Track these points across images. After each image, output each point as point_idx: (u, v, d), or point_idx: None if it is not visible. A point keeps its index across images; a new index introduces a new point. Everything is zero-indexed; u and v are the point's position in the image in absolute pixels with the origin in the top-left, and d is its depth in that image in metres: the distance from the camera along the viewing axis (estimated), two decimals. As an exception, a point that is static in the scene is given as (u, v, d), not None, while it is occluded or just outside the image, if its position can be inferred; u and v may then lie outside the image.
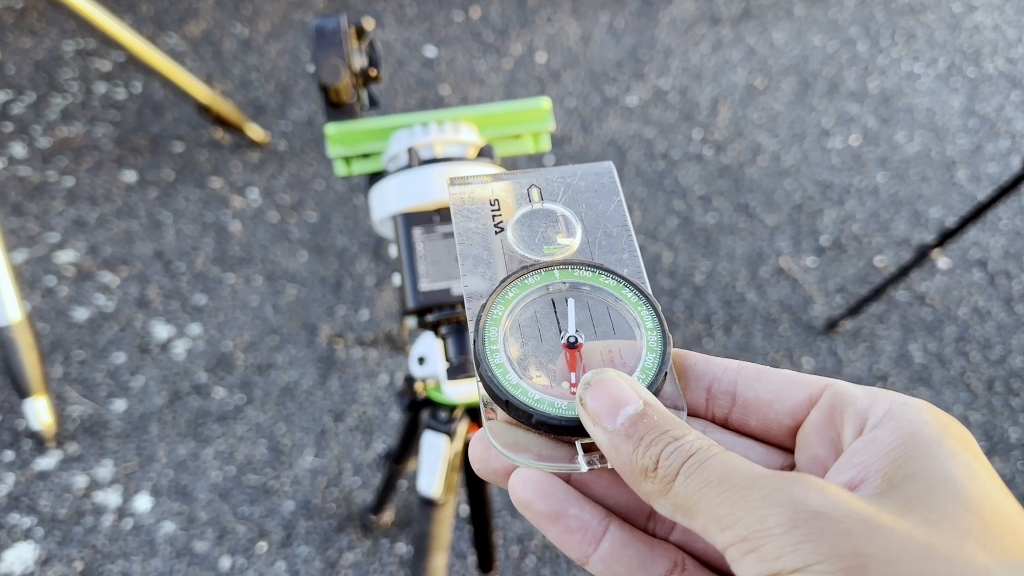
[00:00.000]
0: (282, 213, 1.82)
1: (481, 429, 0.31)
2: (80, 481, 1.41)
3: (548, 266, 0.34)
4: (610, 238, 0.36)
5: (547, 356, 0.32)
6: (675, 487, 0.26)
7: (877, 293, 1.58)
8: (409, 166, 0.56)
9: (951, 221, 1.88)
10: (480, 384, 0.32)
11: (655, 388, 0.31)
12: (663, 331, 0.32)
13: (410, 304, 0.56)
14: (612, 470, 0.29)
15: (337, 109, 0.58)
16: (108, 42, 1.66)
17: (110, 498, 1.39)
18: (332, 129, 0.58)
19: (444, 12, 2.38)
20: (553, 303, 0.34)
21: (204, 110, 1.81)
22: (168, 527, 1.36)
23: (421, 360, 0.74)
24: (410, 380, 0.75)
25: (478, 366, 0.32)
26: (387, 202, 0.57)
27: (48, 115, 1.99)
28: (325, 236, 1.78)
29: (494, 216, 0.36)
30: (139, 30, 2.18)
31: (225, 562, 1.33)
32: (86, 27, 1.62)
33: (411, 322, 0.60)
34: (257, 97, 2.07)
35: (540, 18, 2.38)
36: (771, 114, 2.14)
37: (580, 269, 0.35)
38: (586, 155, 2.00)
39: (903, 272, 1.53)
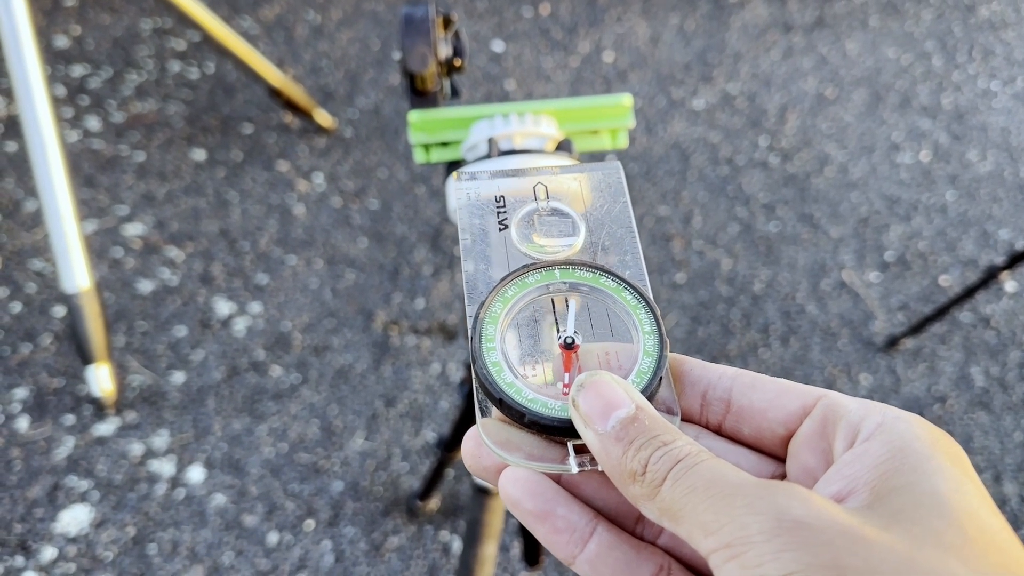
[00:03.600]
0: (345, 199, 1.84)
1: (474, 426, 0.31)
2: (136, 449, 1.44)
3: (549, 265, 0.34)
4: (614, 239, 0.36)
5: (544, 356, 0.32)
6: (662, 492, 0.26)
7: (941, 313, 1.55)
8: (488, 156, 0.57)
9: (1021, 244, 1.84)
10: (475, 381, 0.32)
11: (649, 392, 0.31)
12: (660, 335, 0.32)
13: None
14: (602, 472, 0.29)
15: (421, 97, 0.59)
16: (185, 21, 1.70)
17: (164, 467, 1.42)
18: (415, 116, 0.59)
19: (514, 7, 2.38)
20: (552, 303, 0.34)
21: (275, 94, 1.84)
22: (219, 499, 1.39)
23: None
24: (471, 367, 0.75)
25: (474, 363, 0.32)
26: (464, 190, 0.57)
27: (123, 91, 2.04)
28: (385, 224, 1.80)
29: (499, 213, 0.36)
30: (214, 12, 2.22)
31: (272, 537, 1.35)
32: (164, 6, 1.66)
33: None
34: (326, 84, 2.10)
35: (610, 17, 2.38)
36: (840, 125, 2.10)
37: (581, 270, 0.35)
38: (649, 157, 1.99)
39: (969, 293, 1.50)
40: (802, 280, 1.76)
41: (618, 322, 0.34)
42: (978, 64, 2.32)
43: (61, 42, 2.14)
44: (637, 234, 0.36)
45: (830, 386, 1.58)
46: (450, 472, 1.41)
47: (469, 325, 0.33)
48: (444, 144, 0.61)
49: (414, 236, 1.78)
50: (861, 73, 2.26)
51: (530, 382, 0.31)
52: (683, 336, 1.65)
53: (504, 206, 0.37)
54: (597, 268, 0.35)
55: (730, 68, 2.25)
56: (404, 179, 1.89)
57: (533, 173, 0.38)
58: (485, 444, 0.31)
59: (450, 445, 1.11)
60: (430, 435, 1.48)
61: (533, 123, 0.58)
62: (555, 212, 0.37)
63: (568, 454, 0.30)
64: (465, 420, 0.99)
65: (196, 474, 1.42)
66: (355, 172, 1.90)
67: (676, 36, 2.33)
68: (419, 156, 0.61)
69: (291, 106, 1.89)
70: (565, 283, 0.34)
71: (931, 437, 0.27)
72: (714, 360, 1.60)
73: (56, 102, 1.97)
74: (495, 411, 0.31)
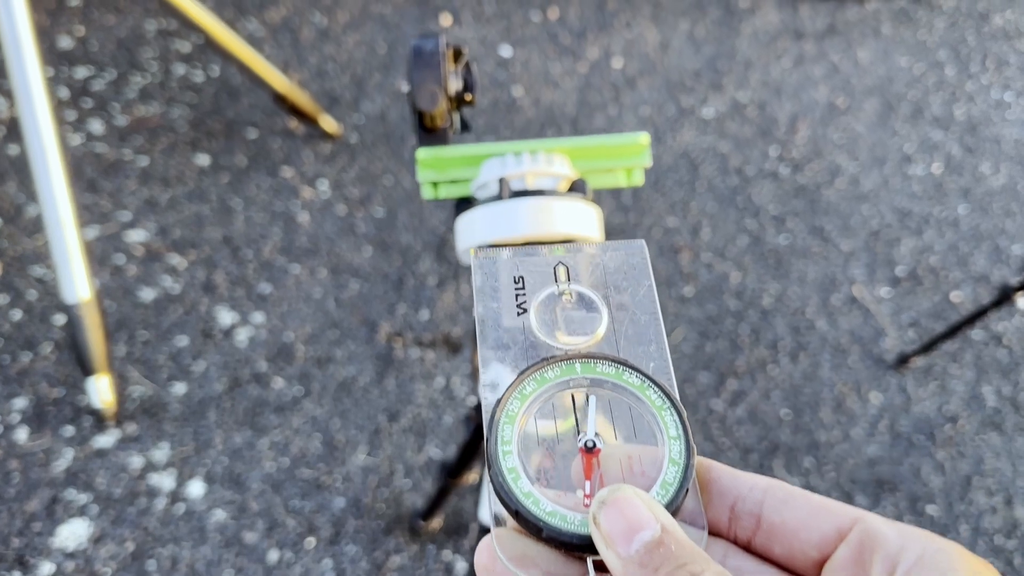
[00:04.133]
0: (350, 206, 1.82)
1: (488, 537, 0.30)
2: (136, 462, 1.42)
3: (569, 359, 0.33)
4: (637, 326, 0.34)
5: (563, 459, 0.31)
6: None
7: (952, 332, 1.53)
8: (499, 197, 0.55)
9: (1035, 259, 1.82)
10: (490, 487, 0.30)
11: (675, 506, 0.29)
12: (687, 441, 0.30)
13: (490, 338, 0.55)
14: None
15: (429, 134, 0.57)
16: (189, 25, 1.67)
17: (164, 481, 1.41)
18: (423, 154, 0.56)
19: (522, 11, 2.36)
20: (573, 399, 0.32)
21: (280, 100, 1.82)
22: (219, 515, 1.37)
23: (493, 387, 0.73)
24: (479, 408, 0.73)
25: (489, 468, 0.30)
26: (474, 233, 0.55)
27: (127, 93, 2.02)
28: (390, 232, 1.78)
29: (517, 295, 0.35)
30: (220, 13, 2.20)
31: (273, 555, 1.33)
32: (168, 9, 1.63)
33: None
34: (332, 88, 2.08)
35: (619, 22, 2.35)
36: (852, 135, 2.08)
37: (603, 364, 0.33)
38: (658, 166, 1.97)
39: (981, 313, 1.48)
40: (812, 295, 1.73)
41: (641, 422, 0.32)
42: (992, 74, 2.29)
43: (65, 43, 2.12)
44: (662, 321, 0.34)
45: (840, 405, 1.56)
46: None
47: (484, 424, 0.31)
48: (453, 181, 0.59)
49: (419, 245, 1.76)
50: (873, 82, 2.23)
51: (547, 491, 0.30)
52: (691, 352, 1.63)
53: (523, 287, 0.35)
54: (620, 363, 0.33)
55: (740, 76, 2.22)
56: (409, 186, 1.87)
57: (553, 255, 0.36)
58: (499, 559, 0.28)
59: (454, 472, 1.09)
60: (433, 451, 1.46)
61: (546, 162, 0.56)
62: (578, 299, 0.35)
63: (588, 572, 0.28)
64: (470, 451, 0.98)
65: (196, 488, 1.40)
66: (360, 179, 1.88)
67: (686, 42, 2.31)
68: (427, 193, 0.59)
69: (296, 112, 1.87)
70: (586, 378, 0.32)
71: (972, 571, 0.25)
72: (722, 377, 1.58)
73: (60, 104, 1.95)
74: (509, 518, 0.30)
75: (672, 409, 0.31)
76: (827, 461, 1.49)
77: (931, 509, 1.45)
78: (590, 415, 0.31)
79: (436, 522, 1.35)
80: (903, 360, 1.61)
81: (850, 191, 1.95)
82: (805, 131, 2.08)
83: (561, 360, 0.33)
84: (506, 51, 2.24)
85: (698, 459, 0.31)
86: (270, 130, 1.96)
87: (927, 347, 1.58)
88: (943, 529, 1.42)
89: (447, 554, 1.35)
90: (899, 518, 1.43)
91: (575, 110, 2.09)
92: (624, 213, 1.86)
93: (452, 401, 1.53)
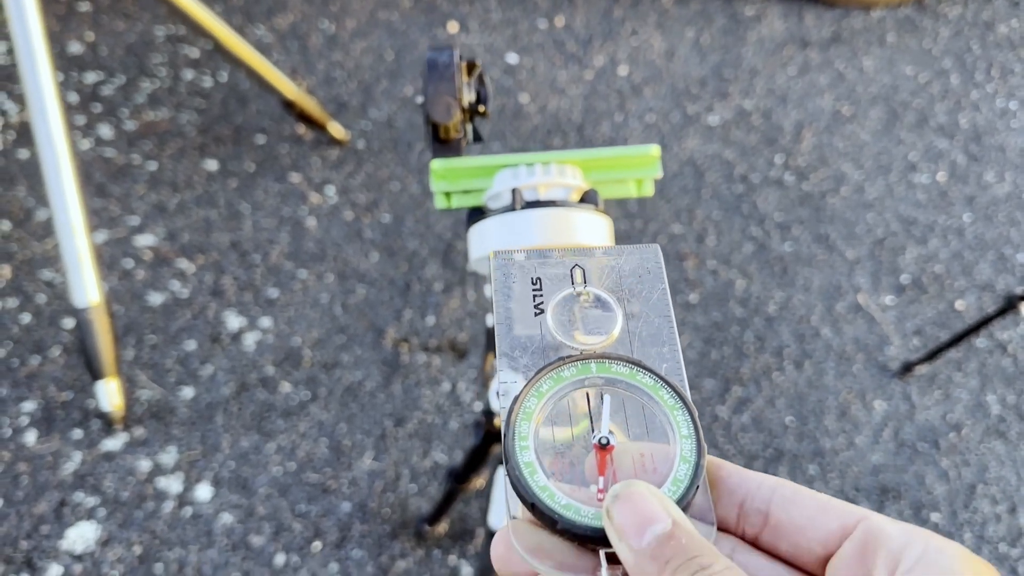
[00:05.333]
0: (357, 212, 1.83)
1: (504, 528, 0.31)
2: (144, 465, 1.43)
3: (585, 358, 0.34)
4: (651, 328, 0.35)
5: (577, 455, 0.32)
6: None
7: (957, 340, 1.53)
8: (512, 207, 0.55)
9: (1039, 268, 1.82)
10: (507, 480, 0.31)
11: (685, 503, 0.30)
12: (698, 440, 0.31)
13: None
14: None
15: (443, 145, 0.58)
16: (198, 31, 1.69)
17: (172, 484, 1.41)
18: (437, 165, 0.57)
19: (528, 19, 2.37)
20: (588, 397, 0.33)
21: (289, 106, 1.83)
22: (226, 518, 1.38)
23: (504, 395, 0.73)
24: (489, 414, 0.74)
25: (507, 462, 0.31)
26: (487, 242, 0.56)
27: (136, 98, 2.03)
28: (397, 238, 1.79)
29: (535, 296, 0.36)
30: (228, 20, 2.21)
31: (280, 559, 1.34)
32: (177, 15, 1.64)
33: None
34: (339, 94, 2.09)
35: (625, 30, 2.36)
36: (857, 143, 2.08)
37: (617, 364, 0.33)
38: (664, 173, 1.97)
39: (986, 322, 1.48)
40: (817, 302, 1.74)
41: (654, 421, 0.33)
42: (996, 83, 2.29)
43: (75, 48, 2.13)
44: (675, 324, 0.35)
45: (844, 412, 1.57)
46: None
47: (502, 421, 0.32)
48: (466, 191, 0.60)
49: (425, 251, 1.77)
50: (878, 90, 2.24)
51: (562, 485, 0.30)
52: (696, 358, 1.63)
53: (540, 289, 0.36)
54: (634, 363, 0.33)
55: (746, 83, 2.23)
56: (416, 192, 1.88)
57: (570, 255, 0.37)
58: (515, 550, 0.29)
59: (461, 477, 1.10)
60: (439, 456, 1.46)
61: (558, 173, 0.57)
62: (595, 300, 0.35)
63: (600, 564, 0.29)
64: (478, 456, 0.98)
65: (204, 492, 1.41)
66: (367, 185, 1.89)
67: (691, 50, 2.32)
68: (440, 203, 0.60)
69: (305, 118, 1.88)
70: (601, 377, 0.33)
71: (974, 571, 0.26)
72: (727, 384, 1.59)
73: (69, 109, 1.97)
74: (526, 512, 0.31)
75: (684, 409, 0.32)
76: (831, 468, 1.49)
77: (935, 517, 1.45)
78: (604, 413, 0.32)
79: (442, 527, 1.36)
80: (907, 368, 1.62)
81: (855, 199, 1.95)
82: (810, 139, 2.09)
83: (577, 360, 0.33)
84: (512, 58, 2.25)
85: (708, 458, 0.32)
86: (278, 136, 1.97)
87: (931, 355, 1.59)
88: (947, 537, 1.42)
89: (452, 559, 1.36)
90: (903, 526, 1.43)
91: (581, 117, 2.10)
92: (630, 220, 1.87)
93: (458, 407, 1.53)
